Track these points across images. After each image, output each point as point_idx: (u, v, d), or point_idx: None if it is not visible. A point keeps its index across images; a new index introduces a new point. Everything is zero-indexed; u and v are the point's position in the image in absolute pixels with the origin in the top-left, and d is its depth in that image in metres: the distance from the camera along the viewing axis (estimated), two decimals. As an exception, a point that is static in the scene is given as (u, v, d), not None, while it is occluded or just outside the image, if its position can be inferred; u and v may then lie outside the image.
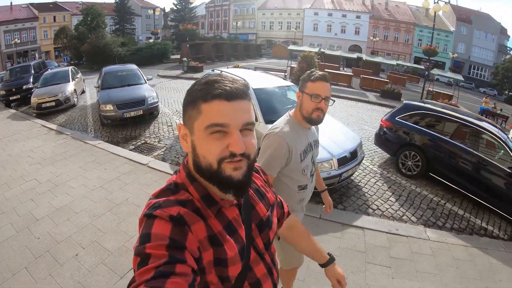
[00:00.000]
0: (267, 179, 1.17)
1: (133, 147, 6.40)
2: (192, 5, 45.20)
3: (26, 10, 41.65)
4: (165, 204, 0.78)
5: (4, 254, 3.17)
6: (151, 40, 30.64)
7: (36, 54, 39.36)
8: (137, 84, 8.84)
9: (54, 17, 43.22)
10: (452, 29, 47.65)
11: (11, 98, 11.97)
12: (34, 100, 9.63)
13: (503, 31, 50.61)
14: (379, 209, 4.38)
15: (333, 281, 1.40)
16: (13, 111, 10.59)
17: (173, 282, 0.65)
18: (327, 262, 1.41)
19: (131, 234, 3.48)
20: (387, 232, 3.80)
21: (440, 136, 5.44)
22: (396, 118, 6.15)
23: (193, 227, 0.78)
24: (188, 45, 24.51)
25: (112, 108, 7.47)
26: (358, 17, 48.42)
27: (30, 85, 12.14)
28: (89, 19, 34.04)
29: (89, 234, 3.51)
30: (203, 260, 0.78)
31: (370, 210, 4.32)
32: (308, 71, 1.87)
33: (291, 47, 25.02)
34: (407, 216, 4.28)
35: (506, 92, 41.70)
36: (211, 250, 0.81)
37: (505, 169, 4.42)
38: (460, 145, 5.14)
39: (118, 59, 22.17)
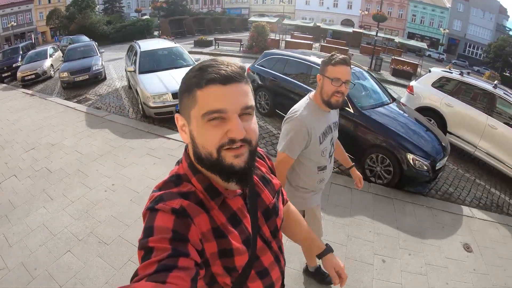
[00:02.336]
0: (271, 164, 1.18)
1: (76, 100, 9.48)
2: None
3: (21, -8, 44.59)
4: (168, 197, 0.81)
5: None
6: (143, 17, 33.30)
7: (33, 35, 42.54)
8: (91, 56, 11.90)
9: (49, -2, 46.17)
10: (448, 5, 48.13)
11: (3, 75, 15.09)
12: (19, 74, 12.71)
13: (502, 10, 50.70)
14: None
15: (332, 273, 1.32)
16: (4, 85, 13.66)
17: (175, 276, 0.66)
18: (324, 252, 1.36)
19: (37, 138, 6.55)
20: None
21: (279, 74, 6.42)
22: (256, 65, 7.20)
23: (196, 220, 0.80)
24: (168, 21, 27.23)
25: (67, 75, 10.55)
26: None
27: (19, 64, 15.26)
28: (79, -1, 36.87)
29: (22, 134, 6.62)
30: (206, 252, 0.81)
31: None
32: (329, 55, 1.92)
33: (253, 18, 26.89)
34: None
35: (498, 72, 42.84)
36: (214, 242, 0.83)
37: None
38: (294, 81, 6.11)
39: (103, 37, 25.21)
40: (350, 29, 29.94)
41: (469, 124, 6.18)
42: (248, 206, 0.96)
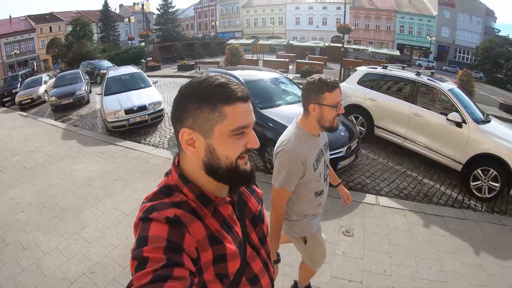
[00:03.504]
0: None
1: (60, 120, 11.51)
2: (174, 9, 50.89)
3: (24, 22, 47.98)
4: (160, 207, 0.83)
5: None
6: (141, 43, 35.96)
7: (35, 63, 45.75)
8: (77, 83, 14.05)
9: (50, 27, 49.42)
10: (435, 13, 49.63)
11: (4, 100, 17.48)
12: (16, 99, 14.94)
13: (489, 13, 51.95)
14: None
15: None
16: (5, 108, 15.92)
17: (170, 286, 0.67)
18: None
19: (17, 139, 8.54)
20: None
21: None
22: None
23: (190, 228, 0.83)
24: (158, 47, 29.75)
25: (54, 99, 12.61)
26: (338, 8, 51.29)
27: (18, 89, 17.53)
28: (77, 29, 39.94)
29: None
30: (200, 261, 0.83)
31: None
32: (316, 81, 1.91)
33: (231, 41, 29.37)
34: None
35: (482, 75, 42.84)
36: (210, 249, 0.87)
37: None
38: None
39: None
40: (321, 44, 32.00)
41: (393, 115, 6.40)
42: (237, 213, 1.03)
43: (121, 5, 63.69)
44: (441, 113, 5.91)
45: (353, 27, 49.69)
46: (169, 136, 7.91)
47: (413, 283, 3.31)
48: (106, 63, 22.89)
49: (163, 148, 7.24)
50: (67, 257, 3.63)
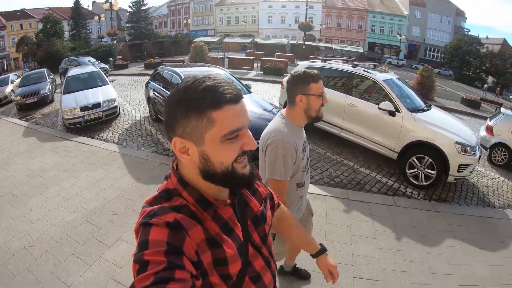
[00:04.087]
0: (257, 173, 1.18)
1: (25, 119, 11.91)
2: (146, 7, 50.91)
3: (-6, 20, 46.99)
4: (160, 212, 0.84)
5: None
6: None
7: (5, 62, 44.97)
8: (41, 82, 14.42)
9: (21, 25, 48.58)
10: (406, 13, 51.53)
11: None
12: None
13: (459, 13, 54.27)
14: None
15: (325, 272, 1.54)
16: None
17: None
18: (318, 252, 1.55)
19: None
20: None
21: (158, 86, 8.27)
22: (149, 81, 9.07)
23: (190, 232, 0.84)
24: (128, 45, 29.95)
25: (19, 98, 12.94)
26: (311, 7, 52.63)
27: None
28: (48, 26, 39.55)
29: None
30: (203, 263, 0.85)
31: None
32: (301, 73, 2.02)
33: (197, 40, 30.13)
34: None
35: (451, 73, 44.82)
36: (209, 252, 0.87)
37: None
38: (163, 89, 7.96)
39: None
40: (285, 41, 33.00)
41: (330, 106, 6.21)
42: (238, 214, 1.02)
43: (94, 2, 63.07)
44: (376, 103, 5.99)
45: (321, 25, 50.95)
46: (121, 132, 8.52)
47: (315, 265, 3.71)
48: (91, 59, 22.77)
49: (113, 142, 7.81)
50: (13, 234, 4.23)
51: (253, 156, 1.19)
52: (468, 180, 6.19)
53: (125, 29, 46.42)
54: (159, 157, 6.75)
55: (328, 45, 39.16)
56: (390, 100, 5.80)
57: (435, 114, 6.04)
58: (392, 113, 5.70)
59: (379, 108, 5.79)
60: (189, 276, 0.74)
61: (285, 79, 7.80)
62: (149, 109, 9.47)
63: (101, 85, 10.42)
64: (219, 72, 7.98)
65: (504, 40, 51.24)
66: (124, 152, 7.04)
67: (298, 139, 2.04)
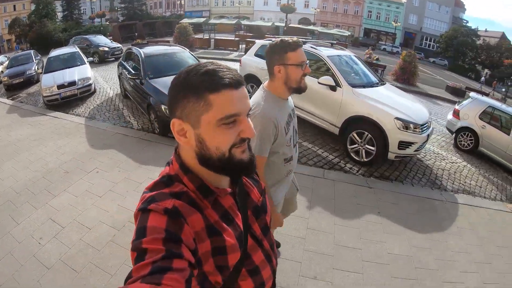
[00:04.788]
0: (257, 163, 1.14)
1: (11, 98, 12.60)
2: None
3: (-14, 1, 46.95)
4: (159, 198, 0.85)
5: None
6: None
7: (-3, 43, 45.31)
8: (28, 63, 15.11)
9: (14, 6, 48.55)
10: (403, 0, 51.14)
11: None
12: None
13: (458, 3, 53.66)
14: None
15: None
16: None
17: (170, 277, 0.68)
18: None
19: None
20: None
21: (127, 66, 8.69)
22: (121, 60, 9.54)
23: (189, 219, 0.84)
24: (118, 26, 30.36)
25: (7, 79, 13.57)
26: None
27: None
28: (40, 7, 39.76)
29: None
30: (198, 251, 0.84)
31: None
32: (278, 42, 1.92)
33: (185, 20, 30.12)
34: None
35: (446, 63, 44.70)
36: (208, 240, 0.87)
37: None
38: (129, 68, 8.33)
39: (58, 43, 28.23)
40: (269, 23, 33.33)
41: None
42: (239, 204, 1.02)
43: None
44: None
45: (315, 9, 50.88)
46: (93, 107, 9.24)
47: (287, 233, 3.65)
48: (103, 39, 21.40)
49: (83, 116, 8.54)
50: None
51: None
52: (423, 162, 6.34)
53: (118, 9, 46.55)
54: (117, 128, 7.50)
55: (316, 28, 39.38)
56: (332, 76, 5.87)
57: (382, 91, 6.03)
58: (333, 88, 5.76)
59: (319, 83, 5.81)
60: (187, 265, 0.74)
61: (243, 57, 8.41)
62: (120, 86, 10.17)
63: (79, 65, 11.15)
64: (178, 50, 8.61)
65: (503, 34, 50.78)
66: (89, 124, 7.80)
67: (280, 112, 1.98)
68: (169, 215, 0.80)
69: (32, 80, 14.25)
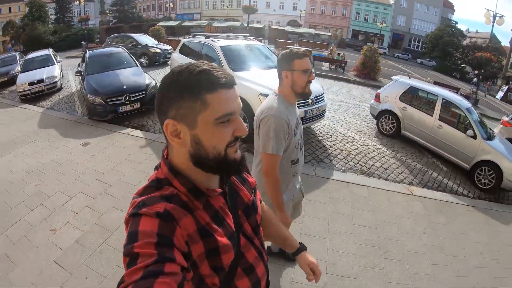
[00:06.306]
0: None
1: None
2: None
3: (-18, 3, 49.07)
4: (150, 202, 0.85)
5: None
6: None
7: (-6, 45, 47.45)
8: (12, 64, 17.17)
9: (10, 8, 50.68)
10: (391, 1, 52.52)
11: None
12: None
13: (447, 4, 55.14)
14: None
15: (306, 270, 1.42)
16: None
17: (162, 282, 0.69)
18: (298, 250, 1.45)
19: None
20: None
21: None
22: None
23: (181, 222, 0.84)
24: (105, 29, 32.34)
25: None
26: None
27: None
28: (34, 10, 41.93)
29: None
30: (192, 254, 0.85)
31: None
32: (288, 52, 2.16)
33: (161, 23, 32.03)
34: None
35: (434, 63, 45.62)
36: (200, 242, 0.88)
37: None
38: None
39: (48, 45, 30.22)
40: (237, 24, 36.71)
41: None
42: (229, 204, 1.04)
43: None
44: None
45: (301, 11, 52.66)
46: (55, 100, 11.20)
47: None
48: (149, 38, 19.86)
49: (44, 107, 10.51)
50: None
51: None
52: (322, 142, 6.68)
53: (109, 12, 48.39)
54: (63, 114, 9.40)
55: (281, 27, 41.69)
56: (219, 61, 6.75)
57: (264, 74, 6.53)
58: None
59: None
60: (179, 269, 0.75)
61: (173, 55, 9.89)
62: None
63: (50, 65, 13.28)
64: (120, 50, 10.60)
65: (493, 35, 51.94)
66: (44, 112, 9.75)
67: (291, 115, 2.14)
68: (161, 218, 0.81)
69: (15, 79, 16.18)
